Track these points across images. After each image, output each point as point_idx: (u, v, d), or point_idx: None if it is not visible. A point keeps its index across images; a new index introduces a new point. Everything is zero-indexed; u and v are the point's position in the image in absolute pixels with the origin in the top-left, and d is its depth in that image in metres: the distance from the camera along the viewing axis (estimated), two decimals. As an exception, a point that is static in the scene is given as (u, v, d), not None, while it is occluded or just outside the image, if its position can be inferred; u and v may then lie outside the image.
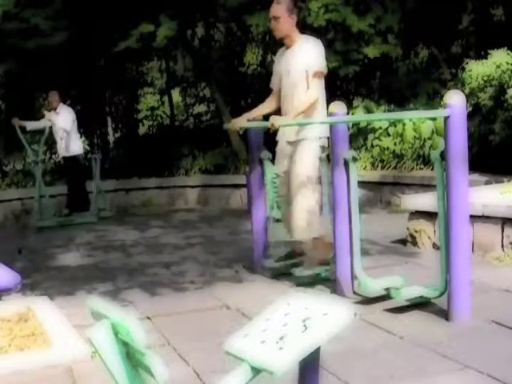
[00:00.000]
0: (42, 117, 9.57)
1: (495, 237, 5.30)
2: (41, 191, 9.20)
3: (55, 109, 9.39)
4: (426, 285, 4.11)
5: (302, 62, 4.73)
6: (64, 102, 9.93)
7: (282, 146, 4.99)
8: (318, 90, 4.74)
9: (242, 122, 5.14)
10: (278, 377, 1.92)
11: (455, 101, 3.71)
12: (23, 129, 9.51)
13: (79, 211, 9.34)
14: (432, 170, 7.48)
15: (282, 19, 4.78)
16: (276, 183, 5.08)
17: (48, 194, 9.37)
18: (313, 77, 4.71)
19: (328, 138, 4.66)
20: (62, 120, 9.25)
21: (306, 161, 4.78)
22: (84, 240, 7.78)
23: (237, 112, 5.27)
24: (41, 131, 9.70)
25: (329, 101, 4.69)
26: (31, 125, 9.57)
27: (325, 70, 4.84)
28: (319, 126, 4.77)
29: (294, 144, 4.85)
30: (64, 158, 9.60)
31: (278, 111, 5.01)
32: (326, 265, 4.87)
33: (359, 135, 9.56)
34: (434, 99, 9.65)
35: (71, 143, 9.35)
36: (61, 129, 9.24)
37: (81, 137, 12.12)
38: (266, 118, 5.03)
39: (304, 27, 6.03)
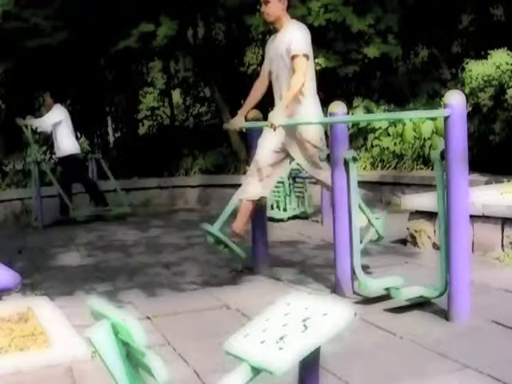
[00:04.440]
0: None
1: (495, 237, 5.30)
2: (39, 191, 9.19)
3: (49, 109, 9.37)
4: (426, 285, 4.11)
5: (288, 45, 4.74)
6: (64, 102, 9.92)
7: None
8: (302, 73, 4.69)
9: (241, 122, 5.15)
10: (278, 377, 1.92)
11: (455, 101, 3.71)
12: (32, 128, 9.50)
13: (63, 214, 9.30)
14: (432, 170, 7.49)
15: (272, 3, 4.82)
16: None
17: (46, 194, 9.36)
18: (294, 60, 4.68)
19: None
20: (48, 114, 9.23)
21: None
22: (84, 240, 7.78)
23: (237, 112, 5.28)
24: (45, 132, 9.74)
25: (329, 101, 4.69)
26: (35, 123, 9.52)
27: (307, 53, 4.77)
28: (313, 112, 4.81)
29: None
30: (61, 157, 9.53)
31: (264, 96, 5.06)
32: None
33: (359, 135, 9.57)
34: (434, 99, 9.65)
35: (60, 143, 9.24)
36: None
37: (81, 137, 12.12)
38: (265, 117, 5.03)
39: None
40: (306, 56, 4.74)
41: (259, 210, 5.21)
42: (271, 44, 5.01)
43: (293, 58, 4.69)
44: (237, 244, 5.01)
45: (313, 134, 4.83)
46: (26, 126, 9.32)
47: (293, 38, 4.74)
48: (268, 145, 4.92)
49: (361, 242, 4.84)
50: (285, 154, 4.99)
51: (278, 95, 4.90)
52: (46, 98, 9.44)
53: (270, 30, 5.11)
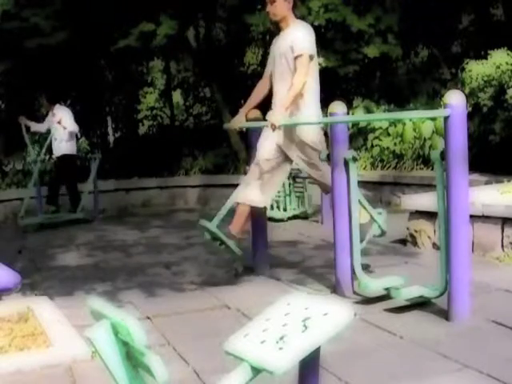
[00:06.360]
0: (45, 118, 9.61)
1: (495, 237, 5.30)
2: (37, 190, 9.17)
3: (51, 110, 9.36)
4: (425, 285, 4.11)
5: (291, 44, 4.71)
6: (64, 102, 9.93)
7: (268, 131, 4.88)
8: (304, 73, 4.65)
9: (241, 122, 5.14)
10: (278, 377, 1.92)
11: (455, 101, 3.71)
12: (27, 128, 9.50)
13: (70, 211, 9.27)
14: (432, 170, 7.49)
15: (278, 3, 4.79)
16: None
17: (44, 194, 9.35)
18: (297, 59, 4.66)
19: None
20: (63, 120, 9.18)
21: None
22: (84, 240, 7.78)
23: (237, 112, 5.27)
24: (43, 133, 9.73)
25: (329, 101, 4.68)
26: (35, 126, 9.55)
27: (311, 53, 4.73)
28: (314, 113, 4.79)
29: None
30: (57, 157, 9.49)
31: (268, 96, 5.03)
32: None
33: (359, 135, 9.57)
34: (434, 99, 9.66)
35: (66, 142, 9.21)
36: (62, 128, 9.16)
37: (81, 137, 12.14)
38: (265, 116, 5.03)
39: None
40: (310, 56, 4.71)
41: (259, 210, 5.21)
42: (275, 44, 4.98)
43: (296, 57, 4.66)
44: (234, 242, 5.01)
45: (312, 136, 4.81)
46: (25, 126, 9.33)
47: (296, 38, 4.71)
48: (268, 144, 4.90)
49: (361, 240, 4.85)
50: (283, 156, 4.92)
51: (280, 96, 4.81)
52: (43, 101, 9.45)
53: (271, 29, 5.09)
